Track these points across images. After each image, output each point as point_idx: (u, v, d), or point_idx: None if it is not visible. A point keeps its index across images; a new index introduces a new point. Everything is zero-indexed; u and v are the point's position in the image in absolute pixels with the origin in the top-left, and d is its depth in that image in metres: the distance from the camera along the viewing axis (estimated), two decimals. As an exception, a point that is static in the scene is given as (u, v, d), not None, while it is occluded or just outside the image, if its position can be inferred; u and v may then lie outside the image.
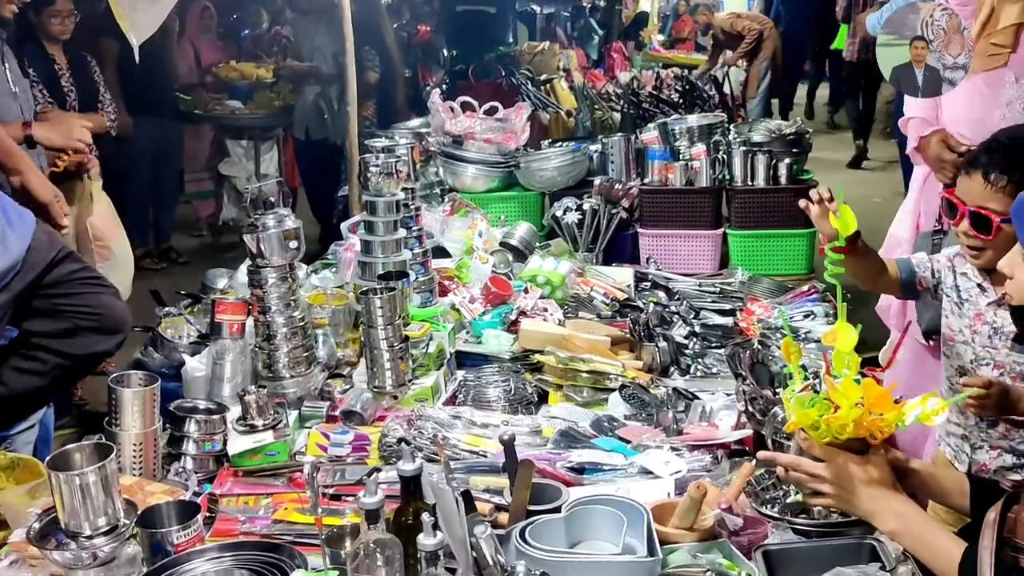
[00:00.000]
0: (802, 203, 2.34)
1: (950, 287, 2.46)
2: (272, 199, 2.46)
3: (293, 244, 2.44)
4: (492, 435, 2.31)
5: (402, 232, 2.93)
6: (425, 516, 1.48)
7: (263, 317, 2.48)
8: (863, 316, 2.19)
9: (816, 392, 1.80)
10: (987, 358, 2.36)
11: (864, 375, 1.80)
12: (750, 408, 2.35)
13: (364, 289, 2.60)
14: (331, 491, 2.15)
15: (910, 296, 2.72)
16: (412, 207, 3.09)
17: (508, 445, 1.84)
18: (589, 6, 14.96)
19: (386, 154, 2.93)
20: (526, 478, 1.82)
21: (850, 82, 10.47)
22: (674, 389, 2.65)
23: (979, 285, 2.39)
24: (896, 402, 1.69)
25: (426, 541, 1.47)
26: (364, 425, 2.47)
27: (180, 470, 2.18)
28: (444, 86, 7.35)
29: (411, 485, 1.66)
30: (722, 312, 3.40)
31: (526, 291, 3.19)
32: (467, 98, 4.30)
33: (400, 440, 2.22)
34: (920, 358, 3.00)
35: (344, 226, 3.41)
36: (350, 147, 3.96)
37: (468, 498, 1.58)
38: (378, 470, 2.14)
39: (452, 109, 4.21)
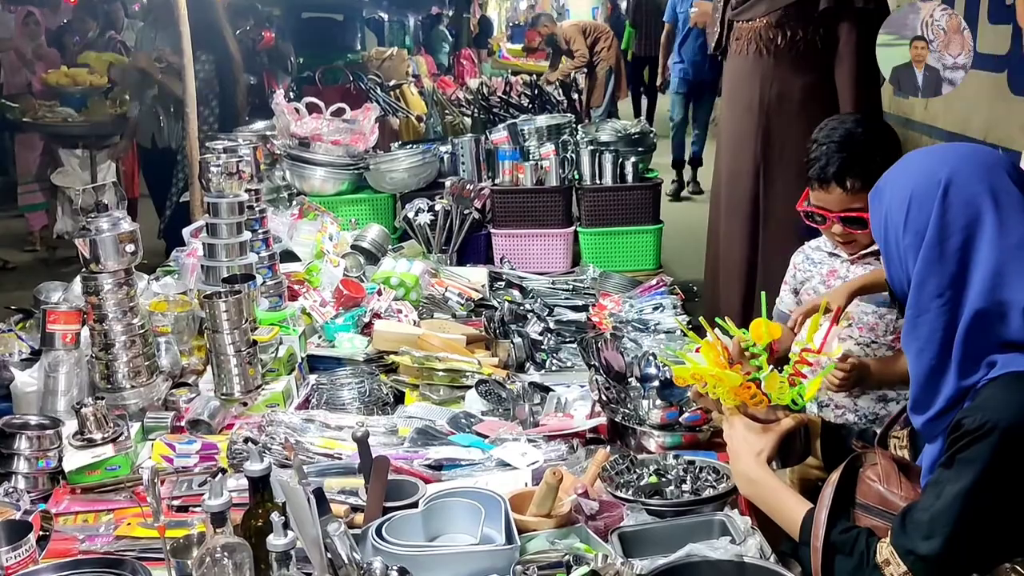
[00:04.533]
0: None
1: (800, 267, 2.63)
2: (106, 202, 2.34)
3: (130, 248, 2.33)
4: (347, 437, 2.25)
5: (247, 235, 2.85)
6: (275, 516, 1.43)
7: (99, 326, 2.36)
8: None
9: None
10: None
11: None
12: (603, 396, 2.39)
13: (208, 293, 2.51)
14: (177, 502, 2.06)
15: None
16: (257, 209, 3.00)
17: (362, 442, 1.80)
18: (439, 14, 15.02)
19: (227, 154, 2.83)
20: (381, 475, 1.79)
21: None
22: (530, 383, 2.66)
23: (830, 253, 2.57)
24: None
25: (276, 541, 1.42)
26: (212, 434, 2.38)
27: (10, 490, 2.05)
28: (292, 93, 7.22)
29: (259, 486, 1.61)
30: (575, 308, 3.46)
31: (379, 293, 3.15)
32: (313, 99, 4.22)
33: (247, 440, 2.14)
34: None
35: (186, 231, 3.28)
36: (190, 150, 3.83)
37: (320, 497, 1.53)
38: (224, 471, 2.07)
39: (297, 111, 4.12)
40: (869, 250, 2.48)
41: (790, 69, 3.54)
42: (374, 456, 1.87)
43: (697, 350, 1.92)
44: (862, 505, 1.61)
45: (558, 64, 10.86)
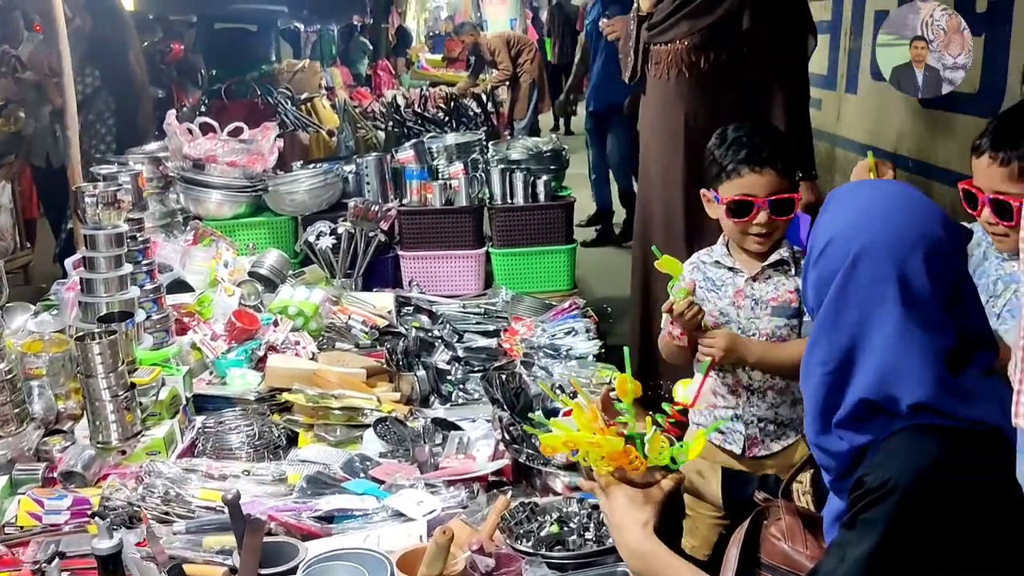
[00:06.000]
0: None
1: (702, 285, 2.54)
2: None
3: (-14, 289, 2.16)
4: (232, 487, 2.09)
5: (128, 267, 2.67)
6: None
7: (-41, 373, 2.17)
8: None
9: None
10: (752, 328, 2.44)
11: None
12: (506, 435, 2.28)
13: (80, 334, 2.33)
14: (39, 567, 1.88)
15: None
16: (140, 239, 2.83)
17: (232, 506, 1.66)
18: (358, 24, 14.83)
19: (105, 182, 2.65)
20: (255, 540, 1.64)
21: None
22: (433, 420, 2.54)
23: (730, 268, 2.50)
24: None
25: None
26: (87, 486, 2.21)
27: None
28: (203, 107, 7.00)
29: (109, 565, 1.45)
30: (486, 334, 3.35)
31: (275, 324, 2.99)
32: (207, 119, 4.04)
33: (94, 514, 1.99)
34: None
35: (68, 262, 3.08)
36: (72, 176, 3.62)
37: (178, 574, 1.38)
38: (62, 555, 1.89)
39: (190, 131, 3.94)
40: (770, 261, 2.42)
41: (716, 91, 3.40)
42: (251, 516, 1.73)
43: (567, 413, 1.80)
44: (768, 566, 1.51)
45: (479, 75, 10.77)
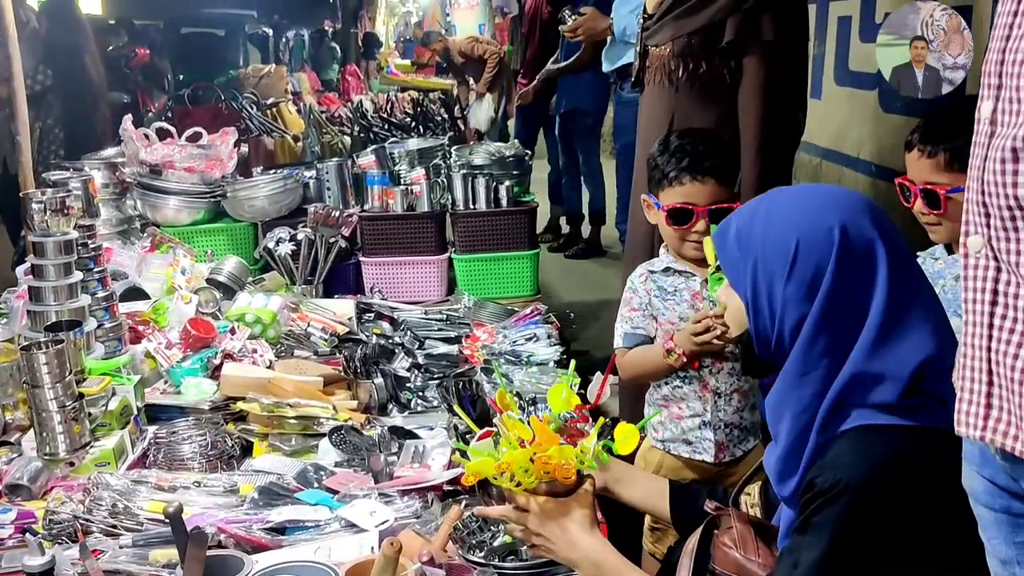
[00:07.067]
0: None
1: (657, 295, 2.55)
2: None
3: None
4: (183, 498, 2.06)
5: (78, 275, 2.62)
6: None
7: (-103, 384, 2.12)
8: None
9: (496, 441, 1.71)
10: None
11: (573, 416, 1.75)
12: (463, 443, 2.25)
13: (27, 343, 2.28)
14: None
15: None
16: (92, 246, 2.77)
17: (174, 518, 1.62)
18: (328, 29, 14.77)
19: (54, 188, 2.60)
20: (198, 553, 1.60)
21: None
22: (390, 429, 2.51)
23: (681, 272, 2.52)
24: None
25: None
26: (33, 499, 2.16)
27: None
28: (170, 112, 6.92)
29: (42, 582, 1.41)
30: (448, 340, 3.33)
31: (232, 331, 2.95)
32: (164, 124, 3.98)
33: (25, 530, 1.94)
34: None
35: (19, 270, 3.02)
36: (24, 182, 3.55)
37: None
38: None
39: (147, 136, 3.88)
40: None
41: (695, 103, 3.21)
42: (195, 529, 1.69)
43: (481, 436, 1.77)
44: (720, 575, 1.50)
45: (463, 78, 10.67)
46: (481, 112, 9.51)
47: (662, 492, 1.87)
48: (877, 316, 1.37)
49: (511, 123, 11.14)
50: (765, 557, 1.47)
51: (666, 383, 2.55)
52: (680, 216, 2.40)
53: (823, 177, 5.28)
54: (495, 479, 1.61)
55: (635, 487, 1.91)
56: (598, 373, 1.96)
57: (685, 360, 2.42)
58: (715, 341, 2.31)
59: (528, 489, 1.61)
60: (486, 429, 1.79)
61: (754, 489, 1.63)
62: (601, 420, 1.63)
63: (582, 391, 2.71)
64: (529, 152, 4.33)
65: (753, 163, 3.05)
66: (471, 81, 10.61)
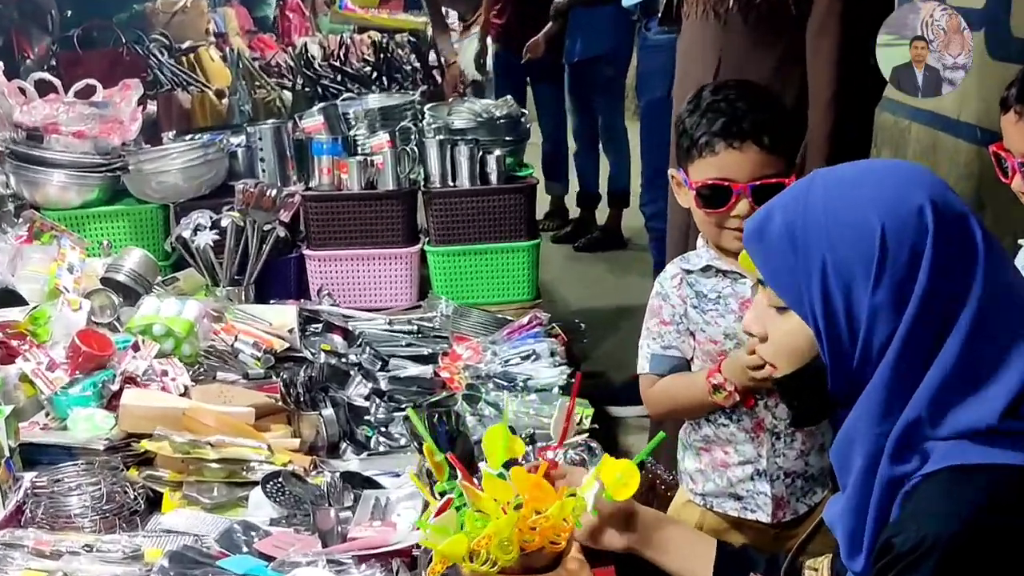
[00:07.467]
0: None
1: (695, 304, 2.53)
2: None
3: None
4: (69, 568, 2.12)
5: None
6: None
7: None
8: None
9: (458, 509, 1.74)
10: None
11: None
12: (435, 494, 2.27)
13: None
14: None
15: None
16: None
17: (58, 593, 1.64)
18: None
19: None
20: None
21: None
22: (343, 475, 2.54)
23: (726, 273, 2.48)
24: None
25: None
26: None
27: None
28: (54, 60, 6.92)
29: None
30: (420, 359, 3.37)
31: (136, 348, 2.98)
32: (47, 75, 4.01)
33: None
34: None
35: None
36: None
37: None
38: None
39: (23, 91, 3.91)
40: None
41: (749, 41, 3.32)
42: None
43: (441, 509, 1.78)
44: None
45: (440, 21, 10.66)
46: (470, 53, 9.48)
47: (706, 557, 1.88)
48: (970, 314, 1.40)
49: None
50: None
51: (708, 420, 2.55)
52: (713, 196, 2.36)
53: (910, 144, 5.33)
54: (468, 562, 1.63)
55: (669, 548, 1.92)
56: (563, 398, 1.99)
57: (738, 398, 2.41)
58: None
59: (503, 569, 1.64)
60: (446, 498, 1.81)
61: (823, 564, 1.65)
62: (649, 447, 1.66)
63: (595, 426, 2.75)
64: (524, 111, 4.34)
65: (824, 118, 3.13)
66: (451, 15, 10.63)
